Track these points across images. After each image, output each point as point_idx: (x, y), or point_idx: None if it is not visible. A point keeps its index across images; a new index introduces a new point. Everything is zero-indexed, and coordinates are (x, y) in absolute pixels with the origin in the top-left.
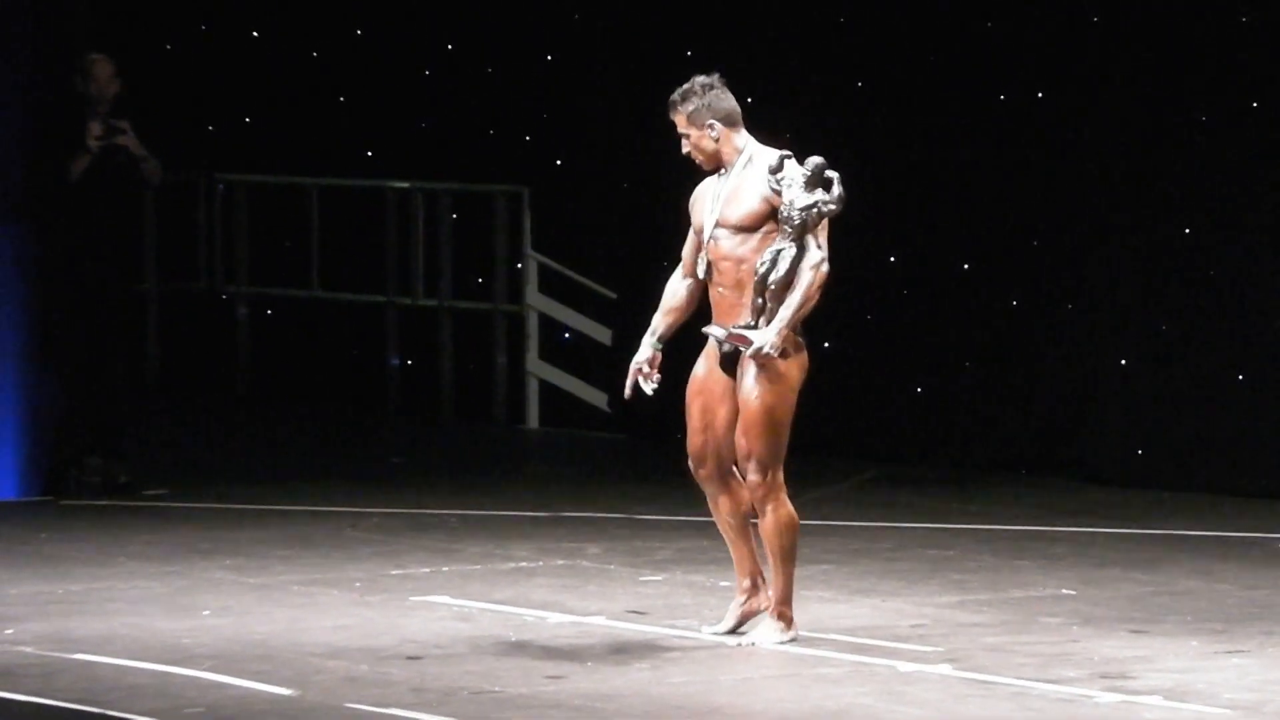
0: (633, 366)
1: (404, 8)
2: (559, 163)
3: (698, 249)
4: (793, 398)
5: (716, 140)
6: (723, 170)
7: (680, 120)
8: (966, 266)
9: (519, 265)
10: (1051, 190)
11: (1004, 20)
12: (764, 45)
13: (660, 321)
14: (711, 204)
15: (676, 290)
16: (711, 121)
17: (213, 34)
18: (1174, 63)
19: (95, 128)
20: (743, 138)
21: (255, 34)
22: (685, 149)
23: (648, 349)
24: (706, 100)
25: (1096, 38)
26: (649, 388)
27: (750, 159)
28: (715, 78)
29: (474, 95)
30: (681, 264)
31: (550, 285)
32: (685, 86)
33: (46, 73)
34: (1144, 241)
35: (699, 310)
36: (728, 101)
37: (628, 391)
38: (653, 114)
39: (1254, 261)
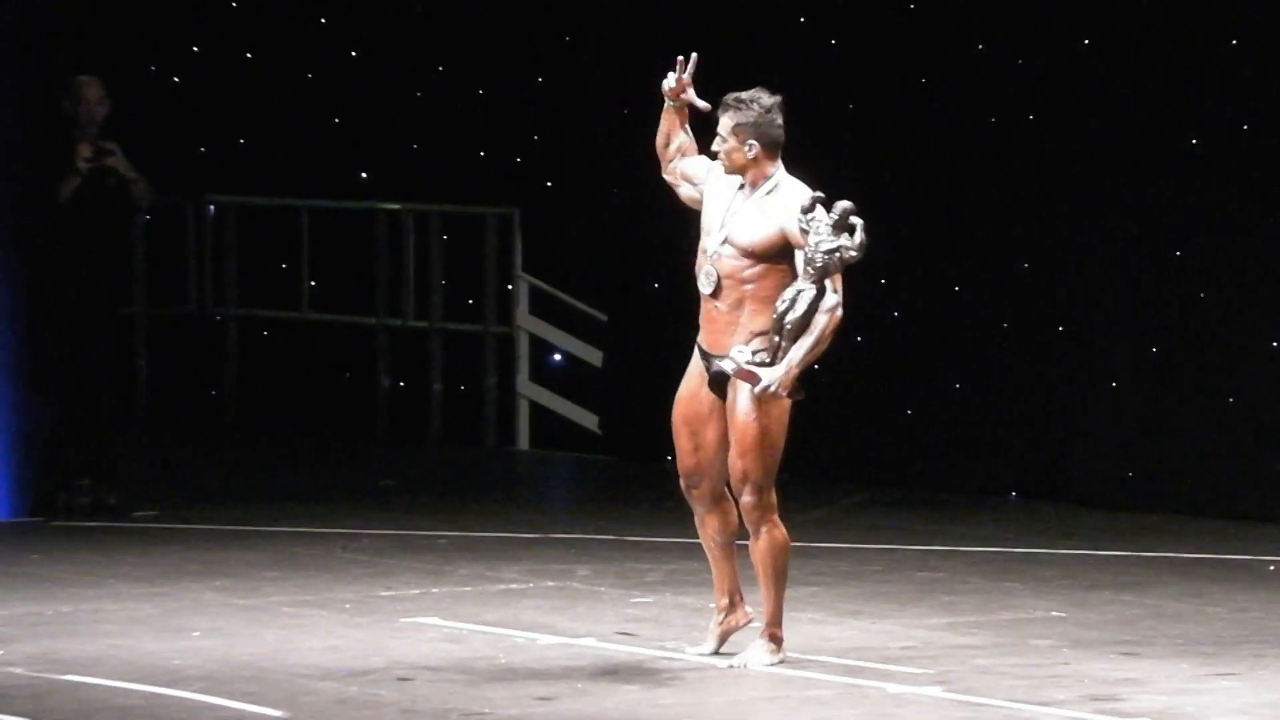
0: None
1: (395, 30)
2: (549, 185)
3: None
4: (786, 419)
5: (751, 160)
6: (744, 184)
7: (726, 123)
8: (957, 289)
9: (509, 287)
10: (1041, 213)
11: (996, 44)
12: (755, 69)
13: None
14: (723, 216)
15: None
16: (752, 142)
17: (203, 55)
18: (1164, 85)
19: (84, 150)
20: (775, 166)
21: (248, 55)
22: (716, 147)
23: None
24: (759, 121)
25: (1087, 62)
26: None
27: (776, 186)
28: (777, 101)
29: (464, 117)
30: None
31: (540, 307)
32: (747, 95)
33: (35, 94)
34: (1134, 264)
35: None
36: (777, 131)
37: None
38: (643, 136)
39: (1245, 284)
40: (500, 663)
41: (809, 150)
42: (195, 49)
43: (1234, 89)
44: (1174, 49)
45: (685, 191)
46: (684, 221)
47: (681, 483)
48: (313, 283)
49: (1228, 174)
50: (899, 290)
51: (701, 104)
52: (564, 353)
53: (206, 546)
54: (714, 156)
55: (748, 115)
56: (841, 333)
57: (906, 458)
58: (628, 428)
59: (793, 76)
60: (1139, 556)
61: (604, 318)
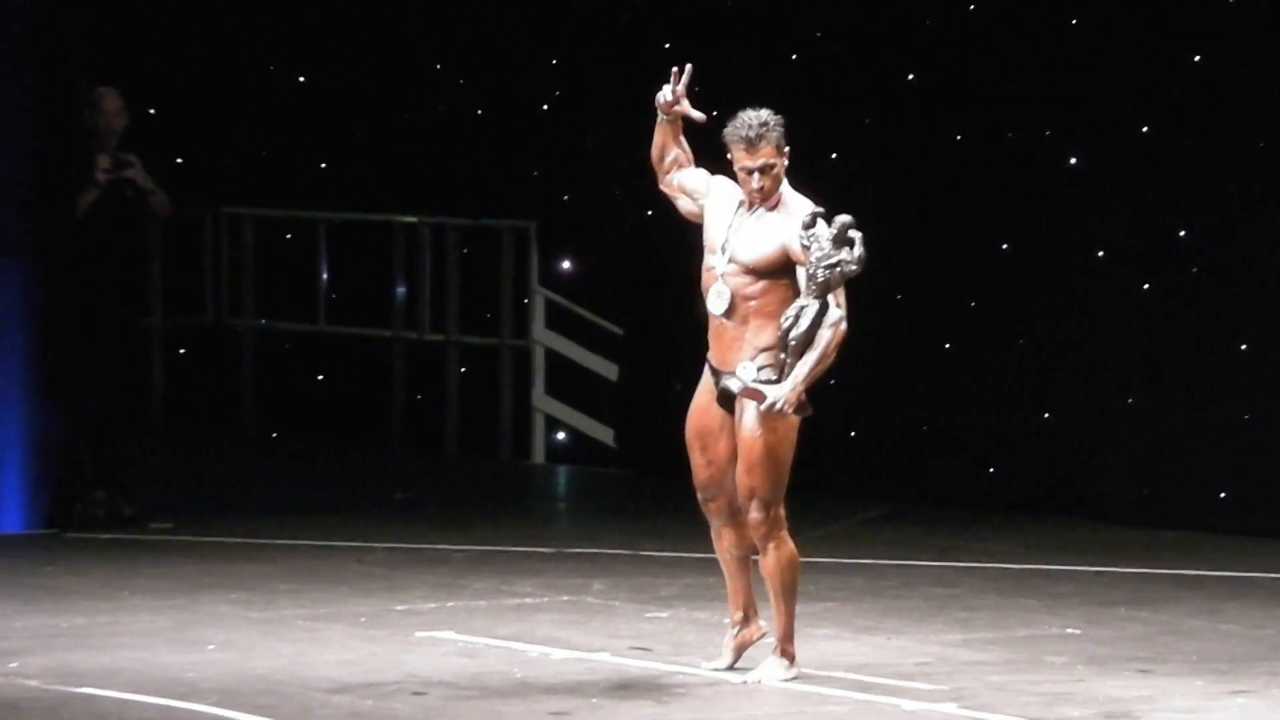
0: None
1: (413, 43)
2: (566, 198)
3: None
4: (794, 435)
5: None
6: (743, 200)
7: (769, 151)
8: (973, 304)
9: (525, 300)
10: (1058, 229)
11: (1007, 57)
12: (768, 80)
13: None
14: (727, 234)
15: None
16: (787, 147)
17: (222, 68)
18: (1180, 98)
19: (103, 161)
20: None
21: (269, 68)
22: (757, 184)
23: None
24: (782, 129)
25: (1105, 75)
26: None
27: (781, 201)
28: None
29: (481, 131)
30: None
31: (557, 320)
32: (758, 121)
33: (53, 105)
34: (1150, 279)
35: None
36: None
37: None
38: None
39: (1261, 300)
40: (514, 677)
41: (819, 164)
42: (215, 61)
43: (1248, 110)
44: (1185, 72)
45: (684, 205)
46: (699, 236)
47: (698, 496)
48: (331, 295)
49: (1245, 189)
50: (914, 305)
51: (697, 115)
52: (579, 367)
53: (222, 559)
54: (727, 175)
55: (776, 130)
56: (847, 347)
57: (921, 473)
58: (643, 441)
59: (803, 90)
60: (1154, 573)
61: (620, 331)
